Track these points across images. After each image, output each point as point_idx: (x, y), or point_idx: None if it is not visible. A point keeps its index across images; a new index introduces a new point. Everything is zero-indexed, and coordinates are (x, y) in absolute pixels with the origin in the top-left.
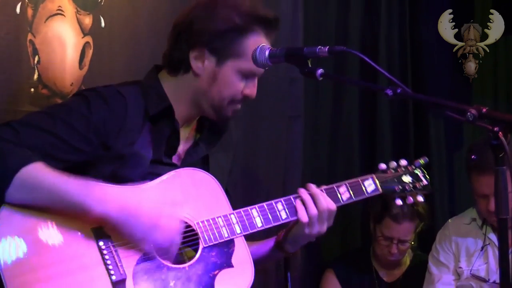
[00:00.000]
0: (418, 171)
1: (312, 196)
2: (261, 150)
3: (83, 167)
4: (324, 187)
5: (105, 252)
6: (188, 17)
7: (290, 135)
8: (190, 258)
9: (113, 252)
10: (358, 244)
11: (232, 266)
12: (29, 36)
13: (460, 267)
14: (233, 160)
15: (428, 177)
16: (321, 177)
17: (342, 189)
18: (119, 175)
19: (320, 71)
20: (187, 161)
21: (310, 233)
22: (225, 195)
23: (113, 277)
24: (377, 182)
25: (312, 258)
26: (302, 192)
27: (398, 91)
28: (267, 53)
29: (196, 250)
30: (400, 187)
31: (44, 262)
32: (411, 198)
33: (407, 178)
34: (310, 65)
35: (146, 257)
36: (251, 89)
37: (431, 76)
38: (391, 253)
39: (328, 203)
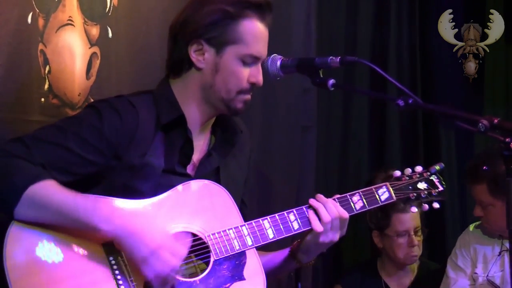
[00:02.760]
0: (433, 177)
1: (324, 205)
2: (275, 160)
3: (94, 179)
4: (337, 196)
5: (115, 267)
6: (181, 17)
7: (303, 145)
8: (202, 271)
9: (123, 267)
10: (368, 255)
11: (244, 279)
12: (40, 46)
13: (476, 273)
14: (249, 169)
15: (444, 183)
16: (333, 186)
17: (356, 197)
18: (130, 187)
19: (331, 81)
20: (201, 171)
21: (323, 242)
22: (236, 206)
23: None
24: (391, 190)
25: (322, 268)
26: (313, 201)
27: (410, 101)
28: (278, 63)
29: (207, 263)
30: (415, 194)
31: (54, 279)
32: (426, 206)
33: (422, 185)
34: (321, 75)
35: None
36: (256, 76)
37: (441, 85)
38: (414, 245)
39: (339, 211)
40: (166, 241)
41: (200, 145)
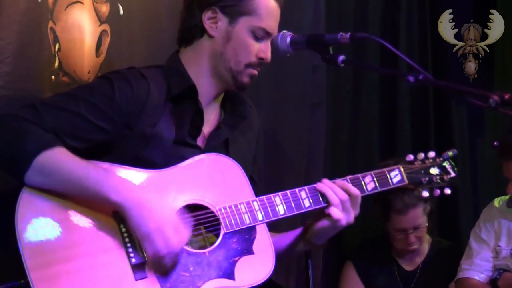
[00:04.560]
0: (446, 163)
1: (331, 188)
2: (284, 137)
3: (106, 148)
4: (349, 176)
5: (125, 235)
6: None
7: (312, 122)
8: (212, 244)
9: (134, 235)
10: (379, 232)
11: (253, 253)
12: (50, 24)
13: (499, 246)
14: (258, 147)
15: (456, 169)
16: (342, 165)
17: (368, 179)
18: (141, 157)
19: (341, 57)
20: (210, 144)
21: (338, 223)
22: (248, 181)
23: (133, 260)
24: (404, 173)
25: (333, 245)
26: (320, 185)
27: (420, 77)
28: (288, 39)
29: (217, 236)
30: (427, 179)
31: (64, 243)
32: (438, 191)
33: (434, 170)
34: (331, 52)
35: None
36: (265, 51)
37: (452, 63)
38: (410, 243)
39: (351, 189)
40: (173, 220)
41: (211, 119)
